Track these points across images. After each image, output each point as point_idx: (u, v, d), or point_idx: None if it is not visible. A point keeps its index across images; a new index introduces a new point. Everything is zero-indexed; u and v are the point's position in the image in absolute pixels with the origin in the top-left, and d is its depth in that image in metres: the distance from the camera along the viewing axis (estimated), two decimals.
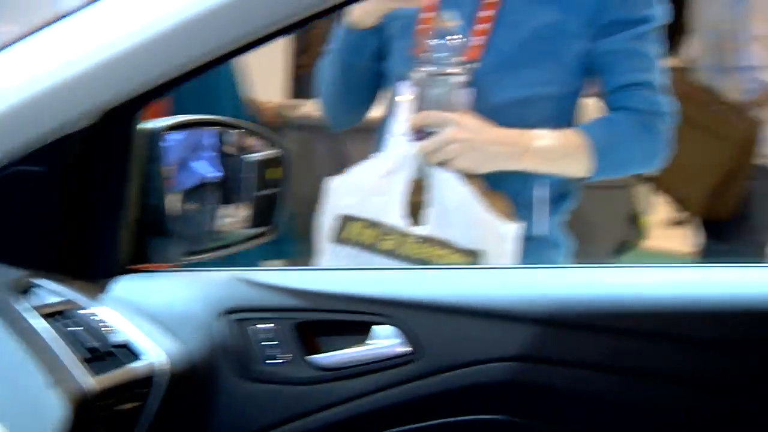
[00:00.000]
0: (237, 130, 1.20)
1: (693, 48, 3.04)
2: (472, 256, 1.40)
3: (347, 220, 1.45)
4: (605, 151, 1.52)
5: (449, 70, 1.46)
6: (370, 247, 1.43)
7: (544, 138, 1.50)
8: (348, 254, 1.44)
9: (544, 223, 1.54)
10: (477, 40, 1.51)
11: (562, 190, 1.58)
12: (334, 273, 1.31)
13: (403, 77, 1.51)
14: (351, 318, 1.12)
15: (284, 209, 1.17)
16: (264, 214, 1.19)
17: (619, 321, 1.05)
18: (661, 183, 2.95)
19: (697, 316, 1.03)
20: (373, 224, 1.43)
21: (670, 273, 1.14)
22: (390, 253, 1.41)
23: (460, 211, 1.40)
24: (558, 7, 1.51)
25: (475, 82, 1.51)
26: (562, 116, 1.56)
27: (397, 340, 1.09)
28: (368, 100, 1.64)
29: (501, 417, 1.10)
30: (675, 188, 2.94)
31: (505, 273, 1.23)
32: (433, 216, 1.41)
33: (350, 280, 1.18)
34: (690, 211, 3.10)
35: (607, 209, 3.35)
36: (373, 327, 1.10)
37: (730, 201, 2.87)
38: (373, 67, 1.58)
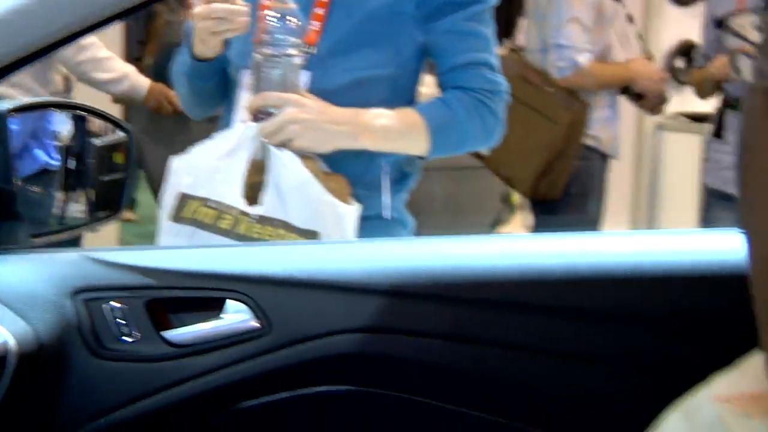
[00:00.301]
0: (84, 113, 1.16)
1: (524, 30, 3.08)
2: (309, 237, 1.40)
3: (186, 198, 1.43)
4: (441, 130, 1.53)
5: (287, 52, 1.44)
6: (208, 226, 1.40)
7: (382, 117, 1.51)
8: (186, 233, 1.43)
9: (386, 202, 1.55)
10: (314, 25, 1.51)
11: (403, 170, 1.60)
12: (185, 251, 1.29)
13: (245, 65, 1.50)
14: (201, 294, 1.11)
15: (130, 192, 1.14)
16: (109, 197, 1.16)
17: (461, 291, 1.07)
18: (490, 162, 2.98)
19: (537, 284, 1.05)
20: (210, 203, 1.41)
21: (510, 243, 1.15)
22: (227, 233, 1.40)
23: (297, 191, 1.40)
24: None
25: (312, 65, 1.51)
26: (401, 97, 1.57)
27: (248, 316, 1.08)
28: (223, 99, 1.61)
29: (349, 387, 1.10)
30: (504, 167, 2.97)
31: (351, 248, 1.22)
32: (271, 196, 1.41)
33: (201, 258, 1.17)
34: (519, 191, 3.15)
35: (481, 189, 3.39)
36: (225, 303, 1.09)
37: (558, 181, 2.93)
38: (223, 79, 1.57)
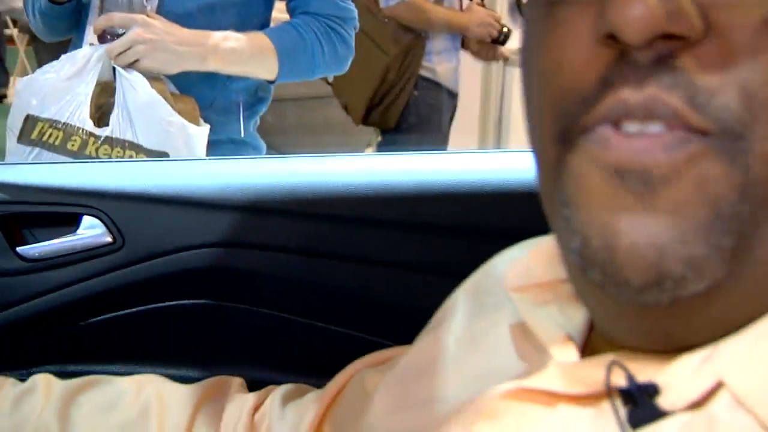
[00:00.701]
0: None
1: None
2: (158, 157, 1.40)
3: (32, 120, 1.41)
4: (290, 54, 1.53)
5: None
6: (56, 148, 1.39)
7: (230, 39, 1.50)
8: (34, 155, 1.41)
9: (237, 126, 1.56)
10: None
11: (257, 95, 1.61)
12: (39, 167, 1.27)
13: None
14: (55, 210, 1.10)
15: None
16: None
17: (313, 207, 1.08)
18: (334, 89, 2.99)
19: (384, 200, 1.08)
20: (57, 125, 1.39)
21: (360, 162, 1.17)
22: (75, 154, 1.38)
23: (145, 112, 1.39)
24: None
25: None
26: (251, 23, 1.57)
27: (101, 231, 1.08)
28: (77, 26, 1.59)
29: (204, 301, 1.11)
30: (341, 95, 2.99)
31: (205, 164, 1.23)
32: (119, 117, 1.40)
33: (54, 173, 1.15)
34: (352, 118, 3.14)
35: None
36: (80, 219, 1.09)
37: (391, 112, 2.94)
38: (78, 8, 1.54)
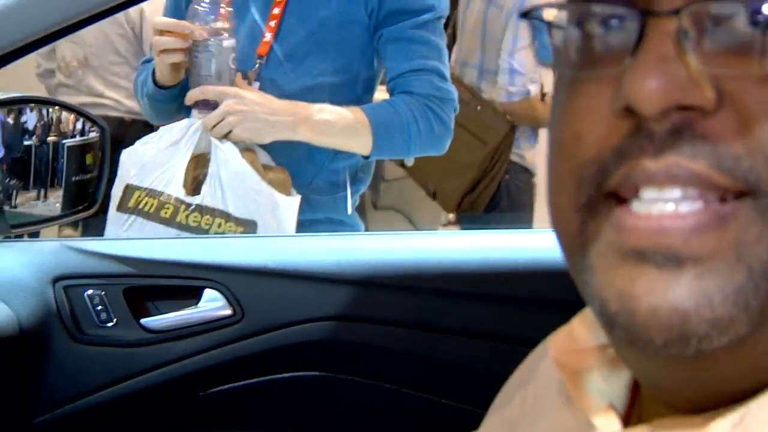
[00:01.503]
0: (57, 109, 1.19)
1: (459, 46, 3.05)
2: (247, 226, 1.44)
3: (130, 189, 1.47)
4: (385, 130, 1.56)
5: (217, 34, 1.50)
6: (150, 216, 1.46)
7: (323, 111, 1.53)
8: (130, 222, 1.48)
9: (337, 205, 1.59)
10: (267, 36, 1.56)
11: (355, 176, 1.63)
12: (162, 242, 1.32)
13: None
14: (178, 283, 1.15)
15: (101, 189, 1.19)
16: (82, 194, 1.20)
17: (424, 282, 1.11)
18: (415, 174, 2.99)
19: (493, 276, 1.11)
20: (153, 193, 1.45)
21: (461, 240, 1.20)
22: (168, 222, 1.45)
23: (235, 182, 1.44)
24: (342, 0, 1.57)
25: (265, 73, 1.55)
26: (353, 103, 1.59)
27: (222, 303, 1.12)
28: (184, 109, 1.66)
29: (319, 373, 1.14)
30: (430, 181, 2.96)
31: (322, 240, 1.28)
32: (211, 187, 1.45)
33: (177, 248, 1.21)
34: (442, 206, 3.16)
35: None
36: (201, 291, 1.13)
37: (482, 197, 2.96)
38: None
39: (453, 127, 1.60)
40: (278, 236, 1.41)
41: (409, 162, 2.28)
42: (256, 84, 1.53)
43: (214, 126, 1.45)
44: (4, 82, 1.21)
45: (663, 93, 0.47)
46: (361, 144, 1.54)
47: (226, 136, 1.46)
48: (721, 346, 0.48)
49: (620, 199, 0.51)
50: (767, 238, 0.48)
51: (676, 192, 0.48)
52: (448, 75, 1.59)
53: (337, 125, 1.52)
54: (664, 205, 0.49)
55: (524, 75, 2.72)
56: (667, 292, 0.48)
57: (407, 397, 1.14)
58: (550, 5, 0.55)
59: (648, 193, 0.49)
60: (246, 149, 1.47)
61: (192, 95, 1.49)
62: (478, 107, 2.79)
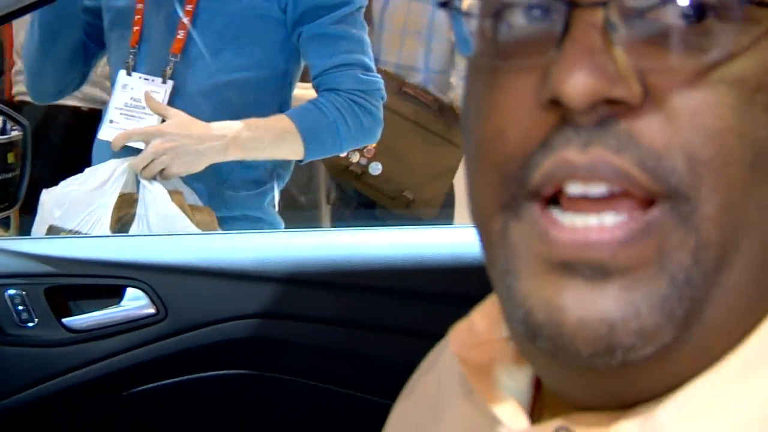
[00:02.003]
0: None
1: (403, 48, 2.97)
2: None
3: (54, 229, 1.48)
4: (315, 134, 1.58)
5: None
6: None
7: (250, 128, 1.55)
8: None
9: (253, 202, 1.61)
10: (180, 33, 1.58)
11: (272, 172, 1.66)
12: (84, 241, 1.33)
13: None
14: (100, 282, 1.15)
15: (23, 187, 1.18)
16: (5, 192, 1.20)
17: (347, 278, 1.13)
18: (391, 186, 2.91)
19: (410, 272, 1.12)
20: (79, 235, 1.47)
21: (384, 236, 1.23)
22: None
23: (164, 223, 1.44)
24: None
25: (180, 70, 1.57)
26: (270, 99, 1.62)
27: (145, 302, 1.12)
28: (72, 72, 1.70)
29: (244, 371, 1.16)
30: (408, 190, 2.89)
31: (244, 237, 1.30)
32: (139, 228, 1.46)
33: (100, 246, 1.20)
34: (431, 212, 3.10)
35: None
36: (124, 290, 1.13)
37: (444, 192, 2.92)
38: (79, 38, 1.65)
39: (382, 115, 1.62)
40: (201, 234, 1.42)
41: (376, 171, 2.30)
42: (170, 82, 1.55)
43: (145, 168, 1.47)
44: None
45: (591, 86, 0.47)
46: (292, 151, 1.57)
47: (160, 174, 1.48)
48: (646, 356, 0.49)
49: (544, 200, 0.50)
50: (688, 244, 0.48)
51: (601, 187, 0.48)
52: (372, 65, 1.60)
53: (265, 139, 1.54)
54: (587, 218, 0.49)
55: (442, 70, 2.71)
56: (595, 303, 0.49)
57: (331, 393, 1.16)
58: None
59: (572, 188, 0.48)
60: (174, 191, 1.49)
61: (116, 141, 1.50)
62: (438, 110, 2.72)
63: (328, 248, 1.18)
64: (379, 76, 1.59)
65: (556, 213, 0.49)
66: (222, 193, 1.52)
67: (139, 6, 1.53)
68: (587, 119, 0.48)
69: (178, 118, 1.49)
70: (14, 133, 1.19)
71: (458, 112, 2.89)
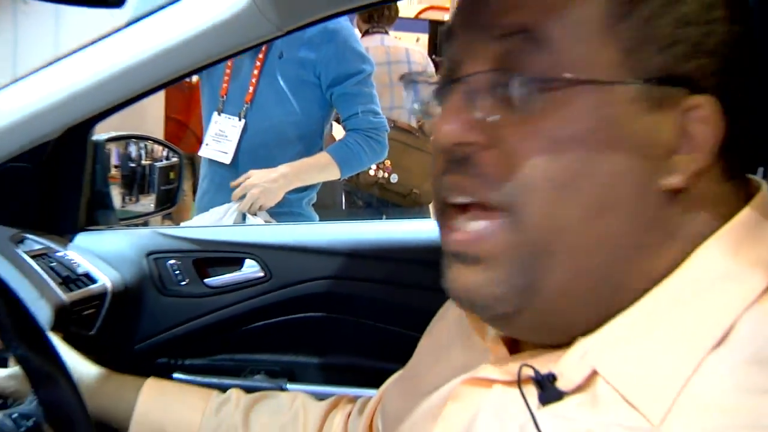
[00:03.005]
0: (152, 143, 1.53)
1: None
2: None
3: None
4: (346, 162, 2.12)
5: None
6: None
7: (302, 165, 2.08)
8: None
9: (295, 202, 2.13)
10: (250, 89, 2.10)
11: (307, 187, 2.17)
12: (218, 228, 1.59)
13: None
14: (228, 255, 1.41)
15: (179, 195, 1.51)
16: (166, 198, 1.52)
17: (386, 253, 1.40)
18: (402, 187, 3.41)
19: (430, 249, 1.29)
20: None
21: (414, 225, 1.50)
22: None
23: None
24: (298, 66, 2.08)
25: (250, 114, 2.08)
26: (311, 133, 2.14)
27: (257, 268, 1.39)
28: None
29: (320, 314, 1.42)
30: (416, 187, 3.36)
31: (319, 226, 1.57)
32: None
33: (228, 233, 1.47)
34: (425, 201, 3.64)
35: None
36: (242, 261, 1.40)
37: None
38: None
39: (386, 143, 2.14)
40: (293, 224, 1.75)
41: (395, 180, 2.96)
42: (243, 121, 2.04)
43: (247, 207, 1.97)
44: (108, 126, 1.42)
45: (453, 132, 0.58)
46: (333, 175, 2.09)
47: (256, 208, 1.96)
48: (506, 313, 0.60)
49: (446, 206, 0.62)
50: (520, 245, 0.58)
51: (462, 199, 0.60)
52: (379, 111, 2.10)
53: (314, 172, 2.09)
54: (466, 225, 0.60)
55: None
56: (462, 278, 0.61)
57: (376, 328, 1.39)
58: (417, 75, 0.72)
59: (450, 199, 0.60)
60: (267, 221, 1.99)
61: (236, 194, 2.01)
62: (420, 132, 3.28)
63: (373, 232, 1.43)
64: (385, 117, 2.09)
65: (451, 224, 0.61)
66: (283, 200, 2.02)
67: (228, 70, 2.03)
68: (452, 155, 0.59)
69: (257, 173, 1.99)
70: (173, 159, 1.52)
71: None
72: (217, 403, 1.09)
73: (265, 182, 2.03)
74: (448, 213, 0.62)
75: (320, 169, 2.12)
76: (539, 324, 0.62)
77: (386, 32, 3.39)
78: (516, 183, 0.58)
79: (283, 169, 2.08)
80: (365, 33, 3.41)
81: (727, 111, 0.59)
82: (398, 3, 3.58)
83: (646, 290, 0.59)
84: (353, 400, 1.09)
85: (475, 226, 0.60)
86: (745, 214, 0.62)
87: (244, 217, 2.00)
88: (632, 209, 0.59)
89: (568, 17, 0.59)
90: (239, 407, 1.08)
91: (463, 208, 0.61)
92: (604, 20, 0.59)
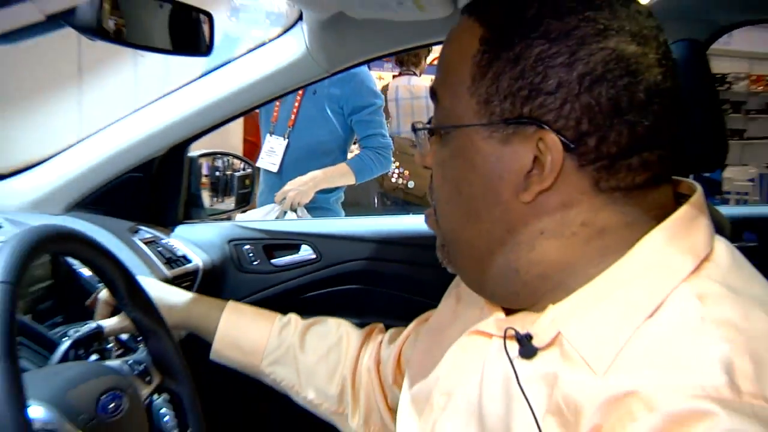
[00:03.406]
0: (232, 157, 1.83)
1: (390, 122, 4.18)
2: None
3: None
4: (360, 171, 2.61)
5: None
6: None
7: (327, 172, 2.56)
8: None
9: (323, 199, 2.59)
10: (292, 116, 2.59)
11: (334, 188, 2.64)
12: (282, 222, 1.90)
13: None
14: (289, 242, 1.69)
15: (252, 197, 1.80)
16: (243, 199, 1.81)
17: (408, 240, 1.67)
18: (418, 190, 4.12)
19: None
20: None
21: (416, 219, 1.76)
22: None
23: None
24: (327, 99, 2.56)
25: (292, 135, 2.59)
26: (339, 149, 2.62)
27: (311, 251, 1.68)
28: None
29: (359, 286, 1.69)
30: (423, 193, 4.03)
31: (358, 219, 1.79)
32: None
33: (288, 225, 1.74)
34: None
35: None
36: (300, 246, 1.68)
37: None
38: None
39: (391, 158, 2.63)
40: (338, 218, 2.10)
41: (412, 185, 3.66)
42: (287, 140, 2.57)
43: (287, 205, 2.44)
44: (201, 145, 1.71)
45: (417, 159, 0.79)
46: (349, 180, 2.58)
47: (294, 205, 2.42)
48: (466, 282, 0.75)
49: None
50: (440, 236, 0.75)
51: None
52: (386, 133, 2.58)
53: (335, 177, 2.57)
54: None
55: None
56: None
57: (402, 297, 1.64)
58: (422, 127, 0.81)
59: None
60: (303, 216, 2.42)
61: (277, 197, 2.50)
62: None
63: (398, 225, 1.68)
64: (390, 139, 2.58)
65: None
66: (316, 197, 2.47)
67: (277, 104, 2.54)
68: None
69: (292, 181, 2.49)
70: (248, 170, 1.80)
71: None
72: (280, 325, 1.23)
73: (299, 185, 2.53)
74: None
75: (341, 175, 2.61)
76: (490, 295, 0.75)
77: (414, 74, 4.11)
78: (434, 193, 0.78)
79: (312, 174, 2.60)
80: (399, 74, 4.17)
81: (576, 140, 0.66)
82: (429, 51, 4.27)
83: (602, 271, 0.68)
84: (384, 330, 1.23)
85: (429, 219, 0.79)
86: (683, 210, 0.69)
87: (285, 213, 2.48)
88: (496, 216, 0.71)
89: (449, 82, 0.72)
90: (297, 330, 1.22)
91: None
92: (468, 82, 0.71)
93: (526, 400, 0.66)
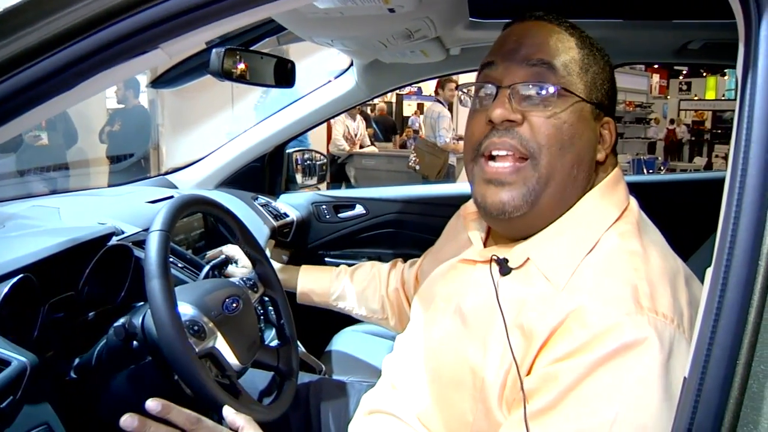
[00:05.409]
0: (314, 152, 2.62)
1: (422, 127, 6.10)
2: None
3: None
4: None
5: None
6: None
7: None
8: None
9: None
10: None
11: None
12: (344, 191, 2.87)
13: None
14: (347, 203, 2.47)
15: (327, 174, 2.53)
16: (321, 178, 2.56)
17: (426, 199, 2.38)
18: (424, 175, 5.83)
19: (453, 198, 2.24)
20: None
21: (448, 186, 2.51)
22: None
23: None
24: None
25: None
26: None
27: (362, 209, 2.46)
28: None
29: (392, 230, 2.46)
30: (428, 174, 5.73)
31: (389, 188, 2.63)
32: None
33: (347, 192, 2.51)
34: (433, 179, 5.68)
35: None
36: (354, 205, 2.49)
37: (442, 172, 6.20)
38: None
39: None
40: (379, 187, 2.64)
41: (418, 168, 5.70)
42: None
43: None
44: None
45: (502, 114, 0.92)
46: None
47: None
48: (518, 216, 0.93)
49: (486, 156, 0.92)
50: (535, 176, 0.90)
51: (503, 152, 0.91)
52: None
53: None
54: (497, 164, 0.91)
55: (442, 137, 6.02)
56: (496, 196, 0.93)
57: (422, 237, 2.18)
58: (464, 85, 1.02)
59: (494, 152, 0.91)
60: None
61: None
62: (436, 148, 6.01)
63: (419, 190, 2.41)
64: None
65: (489, 162, 0.90)
66: None
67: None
68: (500, 126, 0.90)
69: None
70: (324, 159, 2.54)
71: (441, 148, 6.38)
72: (335, 274, 1.61)
73: None
74: (483, 160, 0.91)
75: None
76: (523, 225, 0.92)
77: (439, 101, 6.49)
78: (537, 143, 0.90)
79: None
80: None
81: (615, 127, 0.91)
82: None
83: (558, 216, 0.91)
84: (403, 261, 1.58)
85: (509, 165, 0.90)
86: (610, 176, 0.93)
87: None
88: (586, 167, 0.90)
89: (565, 59, 0.92)
90: (347, 273, 1.61)
91: (497, 157, 0.90)
92: (579, 66, 0.91)
93: (501, 312, 0.84)
